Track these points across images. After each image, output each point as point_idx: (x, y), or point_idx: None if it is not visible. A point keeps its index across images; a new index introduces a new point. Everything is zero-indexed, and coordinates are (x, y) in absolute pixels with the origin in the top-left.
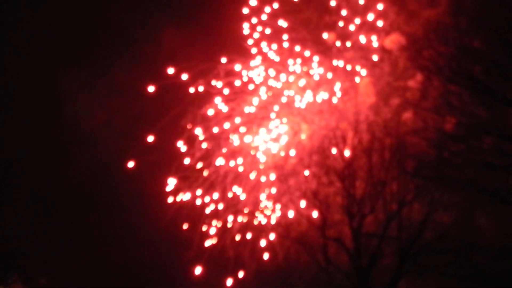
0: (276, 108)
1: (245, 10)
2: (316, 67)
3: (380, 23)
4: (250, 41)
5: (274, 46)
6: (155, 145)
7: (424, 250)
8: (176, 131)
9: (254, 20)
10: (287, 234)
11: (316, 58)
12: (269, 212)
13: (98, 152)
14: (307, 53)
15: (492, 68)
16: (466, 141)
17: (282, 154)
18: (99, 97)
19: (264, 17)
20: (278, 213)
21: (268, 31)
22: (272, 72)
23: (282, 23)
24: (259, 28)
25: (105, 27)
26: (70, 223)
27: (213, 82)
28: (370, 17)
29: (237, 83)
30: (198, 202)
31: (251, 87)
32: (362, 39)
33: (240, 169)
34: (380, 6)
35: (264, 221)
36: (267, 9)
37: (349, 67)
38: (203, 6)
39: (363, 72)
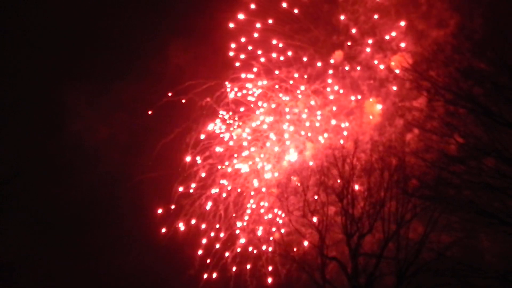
0: (283, 126)
1: (231, 25)
2: (323, 86)
3: (388, 43)
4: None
5: (281, 65)
6: (157, 163)
7: (421, 270)
8: (180, 148)
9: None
10: (286, 253)
11: (323, 78)
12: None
13: (100, 167)
14: (314, 72)
15: (492, 90)
16: (466, 162)
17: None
18: (103, 112)
19: (272, 37)
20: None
21: (275, 50)
22: (278, 91)
23: (291, 42)
24: (266, 47)
25: (109, 43)
26: (67, 239)
27: (218, 101)
28: (378, 37)
29: (243, 101)
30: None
31: (257, 106)
32: (370, 59)
33: (241, 189)
34: (388, 26)
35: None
36: (277, 29)
37: (355, 87)
38: (211, 23)
39: (369, 92)
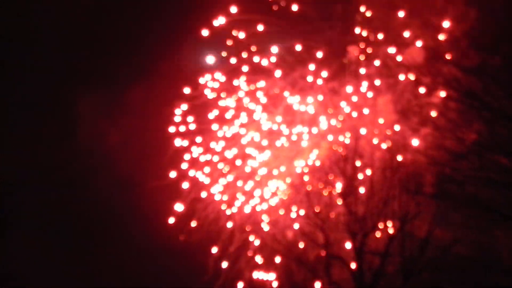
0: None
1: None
2: (338, 85)
3: (401, 39)
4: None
5: (294, 64)
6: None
7: (427, 268)
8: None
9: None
10: (290, 253)
11: (337, 76)
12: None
13: (112, 174)
14: (329, 72)
15: (492, 84)
16: (468, 158)
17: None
18: (114, 117)
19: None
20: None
21: (288, 49)
22: (292, 90)
23: (303, 42)
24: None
25: (120, 46)
26: (78, 245)
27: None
28: (392, 32)
29: (257, 101)
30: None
31: (270, 105)
32: (385, 56)
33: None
34: (402, 21)
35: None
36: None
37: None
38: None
39: (386, 89)
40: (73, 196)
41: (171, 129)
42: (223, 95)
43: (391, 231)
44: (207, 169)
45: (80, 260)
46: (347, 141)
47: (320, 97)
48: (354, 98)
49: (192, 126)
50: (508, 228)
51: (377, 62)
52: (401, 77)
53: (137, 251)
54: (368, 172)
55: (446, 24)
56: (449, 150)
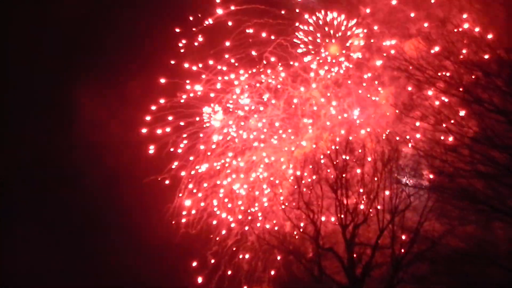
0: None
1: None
2: (342, 77)
3: (404, 32)
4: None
5: (298, 55)
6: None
7: (417, 259)
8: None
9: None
10: (282, 245)
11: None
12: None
13: (108, 167)
14: (331, 63)
15: (482, 79)
16: (458, 150)
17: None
18: (111, 110)
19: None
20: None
21: (291, 42)
22: (295, 82)
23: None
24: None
25: (118, 38)
26: (74, 239)
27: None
28: (394, 26)
29: (259, 93)
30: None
31: (272, 96)
32: (388, 49)
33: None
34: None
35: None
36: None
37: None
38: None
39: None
40: (71, 193)
41: (142, 130)
42: (218, 86)
43: (381, 223)
44: (204, 165)
45: (77, 258)
46: (341, 133)
47: (323, 90)
48: (355, 92)
49: (191, 122)
50: (499, 220)
51: (378, 56)
52: (400, 71)
53: (134, 249)
54: (360, 164)
55: (446, 20)
56: (441, 143)
